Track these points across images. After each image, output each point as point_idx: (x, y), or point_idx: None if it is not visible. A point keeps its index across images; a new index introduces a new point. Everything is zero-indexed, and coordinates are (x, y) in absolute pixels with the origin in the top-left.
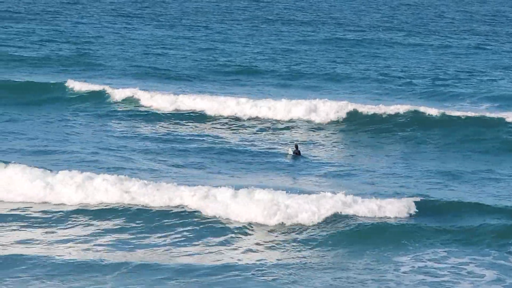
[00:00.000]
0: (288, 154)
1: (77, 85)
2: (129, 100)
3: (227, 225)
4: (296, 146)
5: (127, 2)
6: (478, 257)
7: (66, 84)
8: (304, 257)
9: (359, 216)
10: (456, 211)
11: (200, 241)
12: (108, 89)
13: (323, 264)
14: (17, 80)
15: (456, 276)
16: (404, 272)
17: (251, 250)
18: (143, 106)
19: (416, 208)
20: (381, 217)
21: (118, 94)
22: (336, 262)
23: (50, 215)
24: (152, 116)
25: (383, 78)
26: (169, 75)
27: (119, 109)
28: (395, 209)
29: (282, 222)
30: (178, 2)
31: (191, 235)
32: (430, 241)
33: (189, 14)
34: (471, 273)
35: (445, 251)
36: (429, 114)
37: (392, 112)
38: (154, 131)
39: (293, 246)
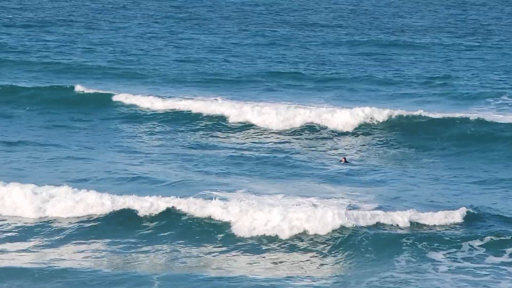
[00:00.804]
0: (340, 161)
1: (124, 97)
2: (179, 108)
3: (265, 233)
4: (344, 158)
5: (170, 7)
6: None
7: (115, 98)
8: (349, 260)
9: (397, 225)
10: (498, 219)
11: (250, 252)
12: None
13: (367, 266)
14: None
15: (496, 276)
16: (443, 272)
17: (293, 256)
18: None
19: (459, 218)
20: (421, 225)
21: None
22: (380, 264)
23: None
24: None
25: (426, 81)
26: (210, 79)
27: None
28: (436, 218)
29: (325, 228)
30: (217, 7)
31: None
32: (468, 243)
33: (232, 19)
34: (511, 273)
35: (484, 251)
36: (472, 119)
37: (436, 118)
38: (194, 138)
39: (337, 250)
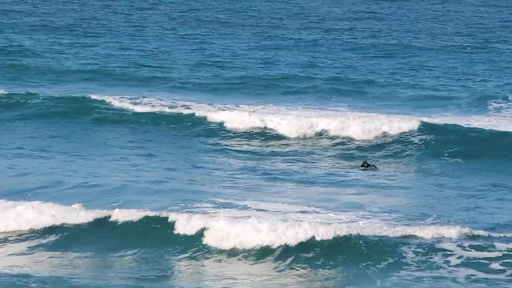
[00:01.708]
0: (361, 166)
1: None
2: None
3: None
4: (365, 161)
5: (192, 10)
6: None
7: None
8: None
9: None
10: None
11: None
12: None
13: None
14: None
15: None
16: (455, 266)
17: (309, 258)
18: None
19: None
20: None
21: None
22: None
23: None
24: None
25: (444, 83)
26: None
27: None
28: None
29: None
30: (235, 10)
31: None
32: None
33: (248, 23)
34: None
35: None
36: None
37: (457, 125)
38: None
39: (352, 253)
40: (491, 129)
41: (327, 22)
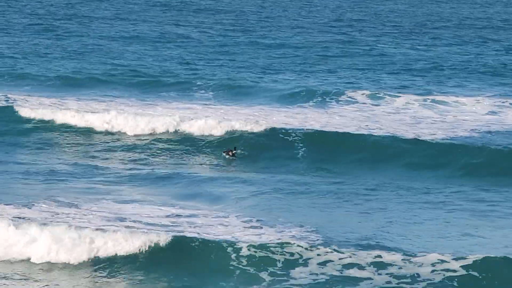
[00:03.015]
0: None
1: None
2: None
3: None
4: (230, 150)
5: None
6: None
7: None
8: None
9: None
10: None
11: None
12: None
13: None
14: None
15: None
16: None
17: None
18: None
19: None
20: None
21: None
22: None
23: None
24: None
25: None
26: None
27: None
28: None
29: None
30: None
31: None
32: None
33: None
34: None
35: None
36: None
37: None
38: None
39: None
40: (334, 130)
41: (180, 16)
